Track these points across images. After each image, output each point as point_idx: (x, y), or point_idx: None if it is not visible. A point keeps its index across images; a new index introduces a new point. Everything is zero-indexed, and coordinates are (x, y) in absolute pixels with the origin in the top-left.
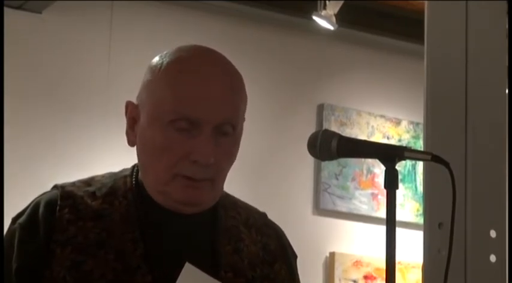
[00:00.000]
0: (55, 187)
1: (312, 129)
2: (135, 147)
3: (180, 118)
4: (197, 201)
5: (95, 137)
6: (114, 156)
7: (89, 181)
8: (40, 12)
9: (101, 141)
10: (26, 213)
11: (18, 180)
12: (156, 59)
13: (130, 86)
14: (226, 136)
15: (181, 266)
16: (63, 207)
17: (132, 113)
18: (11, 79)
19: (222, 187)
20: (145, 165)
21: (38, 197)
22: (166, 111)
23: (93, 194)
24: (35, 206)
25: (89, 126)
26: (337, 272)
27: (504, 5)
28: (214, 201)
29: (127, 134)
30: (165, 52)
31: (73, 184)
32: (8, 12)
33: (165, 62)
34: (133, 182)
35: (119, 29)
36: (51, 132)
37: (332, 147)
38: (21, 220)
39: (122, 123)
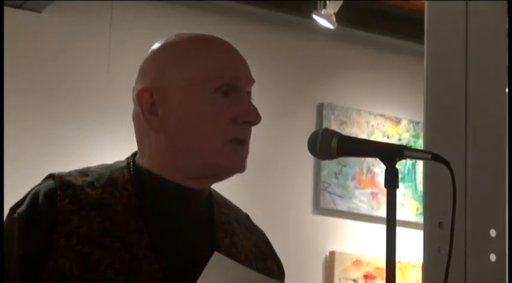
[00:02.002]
0: (51, 176)
1: (311, 128)
2: (133, 145)
3: (224, 83)
4: (243, 167)
5: (95, 135)
6: (114, 153)
7: (84, 172)
8: (40, 12)
9: (101, 139)
10: (25, 203)
11: (18, 178)
12: (163, 42)
13: (130, 85)
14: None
15: (184, 256)
16: (64, 197)
17: (151, 97)
18: (11, 78)
19: None
20: (187, 140)
21: (35, 187)
22: (212, 78)
23: (91, 184)
24: (34, 196)
25: (88, 125)
26: (337, 271)
27: (504, 5)
28: None
29: (147, 120)
30: (165, 39)
31: (69, 174)
32: (7, 11)
33: (181, 39)
34: (132, 173)
35: (119, 28)
36: (51, 130)
37: (332, 146)
38: (20, 210)
39: (122, 121)
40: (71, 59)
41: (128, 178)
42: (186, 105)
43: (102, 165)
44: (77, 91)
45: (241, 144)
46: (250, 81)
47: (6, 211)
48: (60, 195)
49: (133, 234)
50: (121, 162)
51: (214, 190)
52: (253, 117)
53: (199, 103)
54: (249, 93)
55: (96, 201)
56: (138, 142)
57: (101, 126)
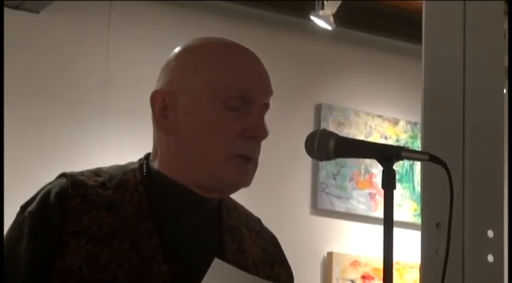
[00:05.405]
0: (63, 175)
1: (309, 129)
2: (132, 144)
3: (236, 95)
4: (247, 182)
5: (94, 135)
6: (113, 153)
7: (97, 172)
8: (38, 12)
9: (101, 139)
10: (35, 202)
11: (18, 177)
12: (185, 45)
13: (129, 85)
14: (264, 114)
15: (193, 258)
16: (75, 196)
17: (163, 101)
18: (9, 78)
19: None
20: (192, 149)
21: (46, 185)
22: (223, 88)
23: (103, 184)
24: (45, 195)
25: (87, 125)
26: (335, 272)
27: (502, 5)
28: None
29: (159, 123)
30: (189, 40)
31: (82, 173)
32: (6, 12)
33: (200, 44)
34: (144, 174)
35: (117, 28)
36: (50, 131)
37: (329, 147)
38: (31, 208)
39: (121, 121)
40: (69, 59)
41: (140, 180)
42: (194, 112)
43: (115, 165)
44: (75, 91)
45: (247, 160)
46: (267, 92)
47: (5, 210)
48: (72, 194)
49: (142, 236)
50: (133, 163)
51: None
52: (260, 132)
53: (207, 111)
54: (266, 105)
55: (107, 202)
56: (153, 144)
57: (100, 125)
